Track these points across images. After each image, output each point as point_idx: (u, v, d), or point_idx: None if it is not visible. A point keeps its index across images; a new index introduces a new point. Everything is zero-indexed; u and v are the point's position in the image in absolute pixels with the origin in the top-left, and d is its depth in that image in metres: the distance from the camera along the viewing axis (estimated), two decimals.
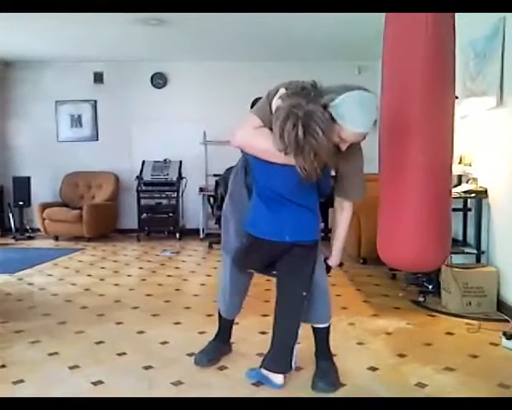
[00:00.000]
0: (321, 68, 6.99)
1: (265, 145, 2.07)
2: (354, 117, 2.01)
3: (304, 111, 1.92)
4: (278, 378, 2.32)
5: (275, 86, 2.18)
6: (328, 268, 2.45)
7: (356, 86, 2.07)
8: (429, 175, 2.30)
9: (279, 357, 2.33)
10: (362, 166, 2.31)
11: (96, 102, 7.45)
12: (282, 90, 2.10)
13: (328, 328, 2.45)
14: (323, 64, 6.91)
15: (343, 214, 2.37)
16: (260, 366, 2.38)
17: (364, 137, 2.13)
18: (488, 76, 3.67)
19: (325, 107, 1.99)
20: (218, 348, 2.69)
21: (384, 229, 2.51)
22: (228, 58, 6.97)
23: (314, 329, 2.45)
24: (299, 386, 2.35)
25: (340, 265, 2.52)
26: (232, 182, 2.50)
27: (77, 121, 7.51)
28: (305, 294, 2.27)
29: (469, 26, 3.63)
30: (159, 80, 7.34)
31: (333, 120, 2.00)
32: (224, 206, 2.54)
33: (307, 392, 2.30)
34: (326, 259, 2.43)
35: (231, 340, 2.76)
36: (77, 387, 2.37)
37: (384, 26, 2.44)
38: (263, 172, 2.20)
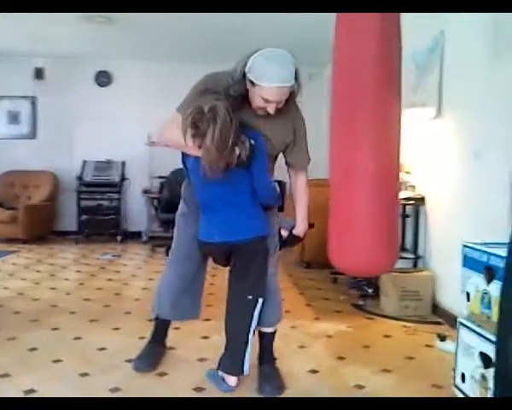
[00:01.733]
0: None
1: (179, 138, 2.11)
2: (267, 72, 2.04)
3: (207, 107, 2.02)
4: (230, 380, 2.31)
5: (200, 80, 2.25)
6: (294, 239, 2.44)
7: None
8: (379, 182, 2.36)
9: (230, 359, 2.31)
10: (302, 133, 2.33)
11: (35, 98, 7.15)
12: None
13: (274, 332, 2.46)
14: None
15: (297, 182, 2.40)
16: (217, 368, 2.36)
17: (292, 95, 2.14)
18: (428, 88, 3.81)
19: (244, 75, 2.06)
20: (156, 351, 2.62)
21: (335, 235, 2.53)
22: (174, 59, 6.88)
23: (260, 333, 2.44)
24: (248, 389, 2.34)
25: (311, 226, 2.51)
26: (184, 191, 2.50)
27: (14, 118, 7.18)
28: (250, 297, 2.25)
29: (411, 38, 3.74)
30: (103, 79, 7.14)
31: (253, 84, 2.06)
32: (179, 209, 2.53)
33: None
34: (292, 229, 2.42)
35: (170, 344, 2.72)
36: (7, 396, 2.24)
37: (334, 31, 2.47)
38: (195, 180, 2.29)
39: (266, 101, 2.08)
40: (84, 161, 6.81)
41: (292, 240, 2.45)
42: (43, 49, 6.54)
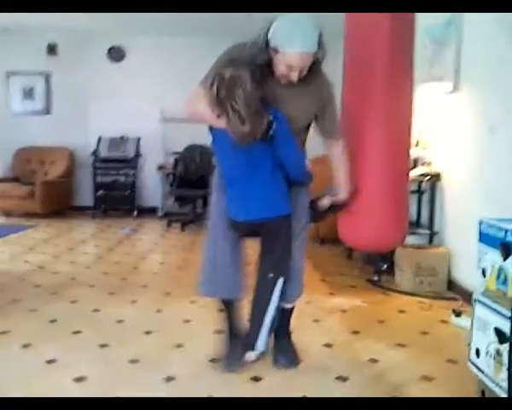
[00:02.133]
0: None
1: (204, 110, 2.10)
2: (289, 37, 2.00)
3: (228, 76, 2.01)
4: (247, 355, 2.31)
5: (224, 52, 2.23)
6: (336, 207, 2.38)
7: None
8: (389, 158, 2.35)
9: (250, 334, 2.30)
10: (330, 101, 2.24)
11: (49, 74, 7.16)
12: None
13: (293, 308, 2.45)
14: None
15: (332, 151, 2.33)
16: None
17: (316, 62, 2.09)
18: (445, 61, 3.75)
19: (267, 42, 2.02)
20: (239, 342, 2.38)
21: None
22: (188, 33, 6.82)
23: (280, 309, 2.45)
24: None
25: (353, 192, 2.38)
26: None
27: (29, 94, 7.21)
28: (271, 275, 2.24)
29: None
30: (116, 54, 7.12)
31: (275, 51, 2.02)
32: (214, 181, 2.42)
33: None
34: (335, 195, 2.35)
35: (186, 317, 2.73)
36: (30, 365, 2.32)
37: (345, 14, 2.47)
38: (219, 151, 2.28)
39: (289, 68, 2.04)
40: (100, 137, 6.85)
41: (331, 209, 2.39)
42: (55, 24, 6.52)
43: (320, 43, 2.04)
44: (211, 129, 2.25)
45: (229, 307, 2.41)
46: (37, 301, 3.20)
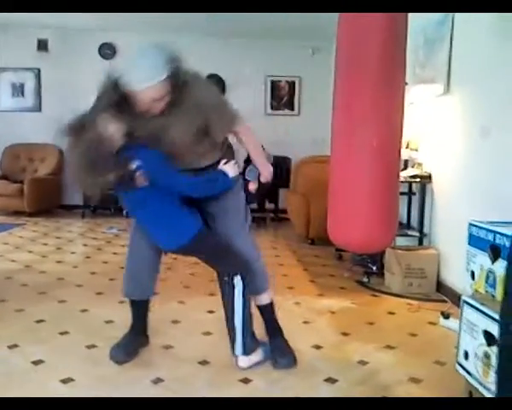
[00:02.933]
0: (274, 47, 7.05)
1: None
2: (127, 77, 1.98)
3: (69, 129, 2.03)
4: (241, 361, 2.30)
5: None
6: (264, 186, 2.37)
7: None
8: (380, 158, 2.35)
9: (231, 341, 2.31)
10: (215, 101, 2.20)
11: (39, 70, 7.10)
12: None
13: (271, 305, 2.43)
14: (277, 43, 6.91)
15: (241, 138, 2.30)
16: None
17: (175, 84, 2.03)
18: (437, 63, 3.76)
19: (117, 84, 2.01)
20: (136, 341, 2.47)
21: (334, 210, 2.55)
22: (181, 31, 6.79)
23: (257, 307, 2.43)
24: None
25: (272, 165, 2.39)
26: None
27: (19, 90, 7.14)
28: (225, 279, 2.24)
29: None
30: (107, 51, 7.07)
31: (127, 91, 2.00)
32: None
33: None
34: (259, 177, 2.33)
35: (175, 318, 2.73)
36: (17, 366, 2.29)
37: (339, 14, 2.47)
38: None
39: (145, 103, 2.01)
40: None
41: (263, 188, 2.39)
42: (46, 20, 6.46)
43: (171, 64, 2.00)
44: None
45: (138, 305, 2.46)
46: (24, 301, 3.17)
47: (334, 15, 2.57)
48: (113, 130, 2.02)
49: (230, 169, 2.22)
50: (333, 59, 2.55)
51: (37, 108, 7.16)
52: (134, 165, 2.03)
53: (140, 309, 2.47)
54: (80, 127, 2.01)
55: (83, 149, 1.98)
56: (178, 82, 2.03)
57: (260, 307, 2.44)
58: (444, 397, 2.08)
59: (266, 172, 2.33)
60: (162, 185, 2.11)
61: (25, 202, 6.32)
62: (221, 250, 2.26)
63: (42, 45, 7.00)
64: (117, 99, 2.02)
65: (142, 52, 2.04)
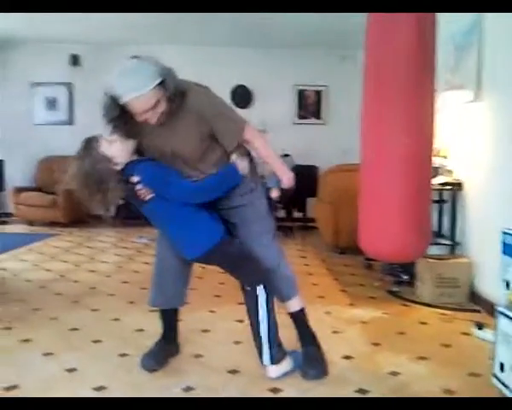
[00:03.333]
0: (301, 57, 7.07)
1: None
2: (118, 89, 2.03)
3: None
4: (270, 370, 2.30)
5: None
6: (287, 192, 2.35)
7: None
8: (412, 166, 2.32)
9: (258, 351, 2.31)
10: (216, 110, 2.19)
11: (72, 84, 7.30)
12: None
13: (303, 311, 2.43)
14: (304, 52, 6.93)
15: (253, 146, 2.29)
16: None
17: (168, 94, 2.05)
18: (466, 70, 3.70)
19: (114, 99, 2.05)
20: (166, 349, 2.50)
21: (365, 220, 2.52)
22: (206, 42, 6.89)
23: (289, 314, 2.44)
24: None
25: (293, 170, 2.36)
26: None
27: (52, 104, 7.35)
28: (248, 288, 2.24)
29: (451, 18, 3.66)
30: None
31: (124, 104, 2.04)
32: None
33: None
34: (280, 182, 2.31)
35: (205, 327, 2.75)
36: (50, 374, 2.34)
37: (368, 16, 2.44)
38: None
39: (139, 114, 2.05)
40: None
41: (285, 196, 2.36)
42: (78, 35, 6.65)
43: (160, 75, 2.04)
44: None
45: (166, 314, 2.50)
46: (58, 310, 3.24)
47: (361, 23, 2.56)
48: (115, 150, 2.10)
49: (240, 163, 2.21)
50: (360, 67, 2.54)
51: (70, 121, 7.35)
52: (134, 179, 2.10)
53: (168, 318, 2.51)
54: (87, 147, 2.12)
55: (87, 168, 2.08)
56: (171, 92, 2.06)
57: (291, 315, 2.44)
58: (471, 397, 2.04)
59: (285, 178, 2.30)
60: (170, 196, 2.13)
61: (59, 212, 6.48)
62: (243, 258, 2.26)
63: (74, 60, 7.20)
64: (118, 114, 2.08)
65: (129, 65, 2.10)
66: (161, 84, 2.03)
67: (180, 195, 2.14)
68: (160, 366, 2.41)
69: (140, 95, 2.00)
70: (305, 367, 2.35)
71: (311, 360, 2.38)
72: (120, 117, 2.09)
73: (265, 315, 2.23)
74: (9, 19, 5.91)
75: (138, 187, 2.10)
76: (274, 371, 2.29)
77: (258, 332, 2.25)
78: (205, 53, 7.02)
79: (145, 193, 2.11)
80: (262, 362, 2.29)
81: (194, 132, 2.16)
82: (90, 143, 2.13)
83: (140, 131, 2.15)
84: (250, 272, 2.25)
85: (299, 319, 2.44)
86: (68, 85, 7.29)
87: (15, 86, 7.21)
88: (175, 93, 2.07)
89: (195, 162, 2.21)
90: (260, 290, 2.22)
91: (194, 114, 2.14)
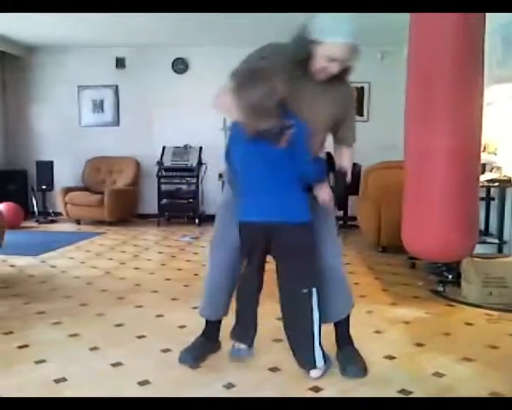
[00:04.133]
0: None
1: (225, 98, 2.16)
2: (334, 27, 2.01)
3: (246, 70, 2.12)
4: (315, 373, 2.27)
5: (255, 51, 2.28)
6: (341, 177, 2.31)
7: None
8: (458, 162, 2.25)
9: (300, 355, 2.29)
10: (352, 111, 2.33)
11: (117, 87, 7.50)
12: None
13: (348, 316, 2.42)
14: None
15: (342, 154, 2.33)
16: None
17: (348, 70, 2.10)
18: None
19: (305, 39, 2.04)
20: (205, 346, 2.53)
21: (409, 218, 2.46)
22: (249, 44, 6.88)
23: (334, 323, 2.42)
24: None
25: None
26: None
27: (99, 106, 7.57)
28: (304, 291, 2.20)
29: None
30: (180, 66, 7.35)
31: (316, 43, 2.02)
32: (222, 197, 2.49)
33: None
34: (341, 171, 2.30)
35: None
36: (97, 368, 2.41)
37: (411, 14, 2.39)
38: (237, 160, 2.25)
39: (330, 59, 2.04)
40: (164, 147, 7.07)
41: (341, 180, 2.31)
42: (122, 38, 6.83)
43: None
44: (231, 129, 2.28)
45: (214, 323, 2.53)
46: (104, 306, 3.34)
47: (404, 19, 2.51)
48: (282, 89, 2.06)
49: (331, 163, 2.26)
50: (402, 63, 2.49)
51: (116, 122, 7.56)
52: (290, 122, 2.08)
53: (213, 323, 2.54)
54: (251, 75, 2.09)
55: (252, 94, 2.03)
56: (347, 69, 2.14)
57: (336, 321, 2.41)
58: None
59: (345, 165, 2.32)
60: (296, 156, 2.12)
61: (105, 211, 6.68)
62: (310, 257, 2.23)
63: (120, 63, 7.40)
64: (303, 55, 2.09)
65: (348, 16, 2.08)
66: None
67: (303, 162, 2.13)
68: (195, 362, 2.42)
69: (352, 43, 2.03)
70: (344, 364, 2.33)
71: (351, 356, 2.36)
72: (296, 65, 2.12)
73: (318, 316, 2.22)
74: (60, 25, 6.14)
75: (288, 131, 2.08)
76: (316, 372, 2.27)
77: (312, 337, 2.22)
78: (241, 54, 7.02)
79: (286, 138, 2.08)
80: (314, 366, 2.25)
81: (331, 111, 2.22)
82: (253, 74, 2.09)
83: (294, 83, 2.13)
84: (311, 272, 2.23)
85: (344, 324, 2.43)
86: (114, 88, 7.49)
87: (64, 89, 7.48)
88: (348, 69, 2.15)
89: (315, 140, 2.22)
90: (315, 293, 2.21)
91: (341, 94, 2.22)
